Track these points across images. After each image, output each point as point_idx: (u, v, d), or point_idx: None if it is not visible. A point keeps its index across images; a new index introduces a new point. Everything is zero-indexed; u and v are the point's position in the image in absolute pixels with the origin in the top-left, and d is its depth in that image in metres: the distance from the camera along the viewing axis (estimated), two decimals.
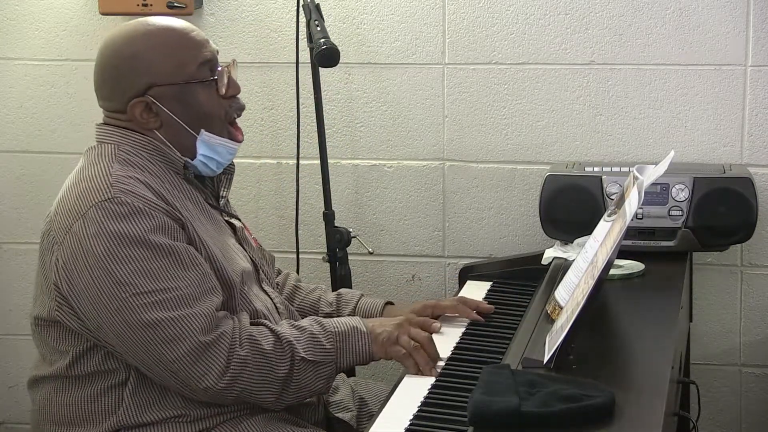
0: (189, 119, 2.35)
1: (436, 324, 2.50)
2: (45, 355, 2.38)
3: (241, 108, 2.44)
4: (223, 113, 2.39)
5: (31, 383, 2.42)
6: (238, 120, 2.45)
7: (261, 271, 2.51)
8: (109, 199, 2.22)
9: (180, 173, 2.37)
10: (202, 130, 2.36)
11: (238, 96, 2.43)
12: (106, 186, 2.24)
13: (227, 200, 2.54)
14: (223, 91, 2.38)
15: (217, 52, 2.41)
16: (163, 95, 2.33)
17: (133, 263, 2.19)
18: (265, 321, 2.36)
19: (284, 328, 2.33)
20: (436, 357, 2.35)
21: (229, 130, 2.41)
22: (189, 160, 2.38)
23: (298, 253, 3.33)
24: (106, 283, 2.18)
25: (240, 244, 2.48)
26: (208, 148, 2.38)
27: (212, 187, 2.49)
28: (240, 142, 2.43)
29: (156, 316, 2.18)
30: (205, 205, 2.42)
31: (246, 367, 2.23)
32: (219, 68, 2.38)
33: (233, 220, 2.52)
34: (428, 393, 2.21)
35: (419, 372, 2.32)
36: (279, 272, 2.73)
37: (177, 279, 2.21)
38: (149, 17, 2.40)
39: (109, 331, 2.21)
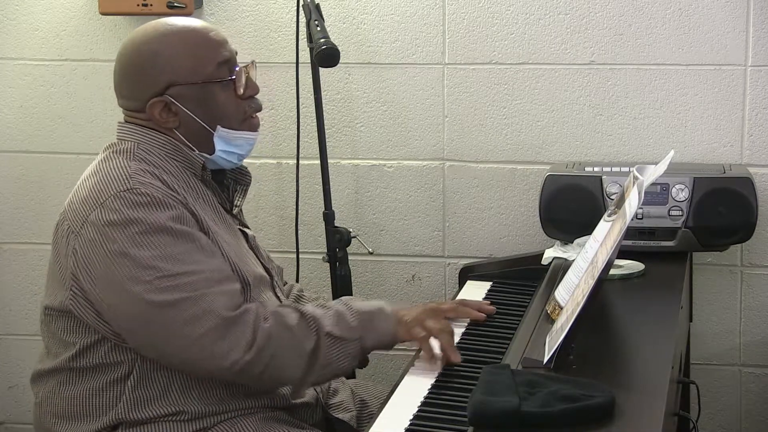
0: (207, 118, 2.36)
1: None
2: (50, 347, 2.37)
3: (259, 108, 2.44)
4: (241, 114, 2.40)
5: (34, 377, 2.42)
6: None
7: (274, 279, 2.52)
8: (128, 189, 2.23)
9: (197, 174, 2.38)
10: (218, 126, 2.37)
11: (256, 96, 2.43)
12: (124, 178, 2.25)
13: (240, 210, 2.54)
14: (241, 91, 2.39)
15: (236, 52, 2.42)
16: (182, 95, 2.34)
17: (155, 248, 2.19)
18: (288, 302, 2.36)
19: (309, 307, 2.35)
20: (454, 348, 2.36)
21: (247, 124, 2.42)
22: (208, 156, 2.38)
23: (298, 253, 3.34)
24: (129, 269, 2.18)
25: (252, 251, 2.49)
26: (226, 143, 2.39)
27: (227, 194, 2.50)
28: (257, 130, 2.43)
29: (179, 296, 2.18)
30: (220, 209, 2.42)
31: (272, 339, 2.23)
32: (237, 68, 2.39)
33: (245, 229, 2.52)
34: (428, 393, 2.22)
35: (433, 359, 2.32)
36: (284, 283, 2.74)
37: (199, 263, 2.22)
38: (170, 18, 2.42)
39: (130, 319, 2.21)
